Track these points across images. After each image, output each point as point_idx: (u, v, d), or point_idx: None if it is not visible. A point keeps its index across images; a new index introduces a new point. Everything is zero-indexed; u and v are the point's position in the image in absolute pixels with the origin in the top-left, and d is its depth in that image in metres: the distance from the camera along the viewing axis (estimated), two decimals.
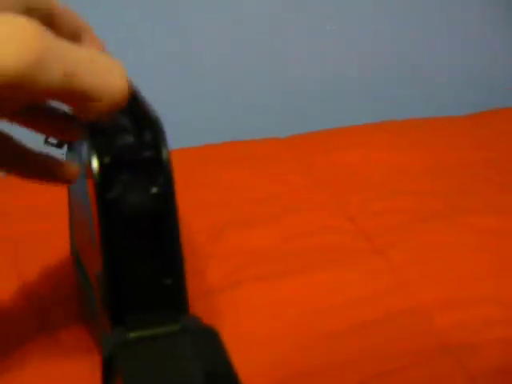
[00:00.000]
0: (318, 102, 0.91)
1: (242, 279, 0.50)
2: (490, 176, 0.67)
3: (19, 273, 0.49)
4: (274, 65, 0.87)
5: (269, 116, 0.89)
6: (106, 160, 0.27)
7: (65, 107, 0.34)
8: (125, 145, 0.27)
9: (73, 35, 0.32)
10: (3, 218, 0.57)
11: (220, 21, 0.82)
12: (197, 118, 0.84)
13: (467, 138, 0.76)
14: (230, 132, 0.77)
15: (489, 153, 0.72)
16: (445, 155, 0.71)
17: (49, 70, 0.24)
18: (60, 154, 0.52)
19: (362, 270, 0.51)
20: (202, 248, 0.54)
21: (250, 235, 0.56)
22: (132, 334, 0.28)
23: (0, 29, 0.24)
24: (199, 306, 0.46)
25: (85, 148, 0.29)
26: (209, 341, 0.28)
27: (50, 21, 0.30)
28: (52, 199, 0.56)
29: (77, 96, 0.25)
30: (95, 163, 0.27)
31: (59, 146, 0.49)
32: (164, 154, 0.28)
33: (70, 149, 0.50)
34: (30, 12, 0.29)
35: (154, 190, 0.28)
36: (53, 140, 0.48)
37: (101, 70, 0.25)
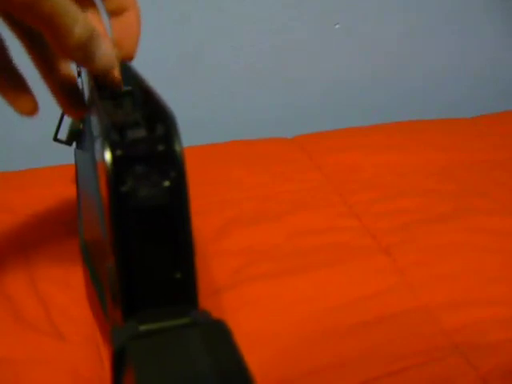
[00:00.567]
0: (325, 102, 0.91)
1: (248, 277, 0.50)
2: (497, 177, 0.67)
3: (28, 270, 0.49)
4: (281, 64, 0.87)
5: (276, 116, 0.89)
6: (119, 153, 0.27)
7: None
8: (137, 138, 0.27)
9: None
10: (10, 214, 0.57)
11: (225, 20, 0.82)
12: (204, 117, 0.84)
13: (475, 140, 0.76)
14: (237, 131, 0.78)
15: (496, 154, 0.72)
16: (453, 156, 0.71)
17: None
18: (69, 150, 0.53)
19: (368, 270, 0.52)
20: (208, 246, 0.54)
21: (255, 233, 0.56)
22: (143, 327, 0.28)
23: None
24: (205, 303, 0.46)
25: (98, 142, 0.29)
26: (219, 335, 0.28)
27: None
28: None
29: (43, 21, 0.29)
30: (108, 156, 0.27)
31: (68, 142, 0.50)
32: (177, 148, 0.28)
33: (78, 146, 0.50)
34: None
35: (167, 183, 0.28)
36: (62, 138, 0.48)
37: (70, 16, 0.30)
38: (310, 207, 0.60)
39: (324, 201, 0.62)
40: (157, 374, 0.26)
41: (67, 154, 0.55)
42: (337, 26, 0.86)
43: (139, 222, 0.28)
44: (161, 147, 0.28)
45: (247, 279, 0.50)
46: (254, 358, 0.40)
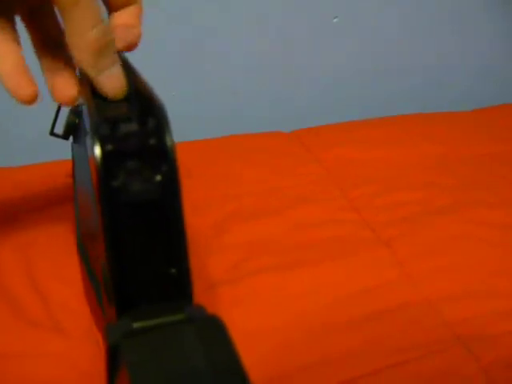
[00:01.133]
0: (325, 96, 0.91)
1: (248, 271, 0.50)
2: (497, 170, 0.67)
3: (27, 265, 0.49)
4: (278, 60, 0.86)
5: (275, 111, 0.88)
6: (109, 148, 0.26)
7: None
8: (128, 132, 0.27)
9: None
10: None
11: (224, 15, 0.82)
12: (204, 112, 0.84)
13: (475, 133, 0.76)
14: (236, 126, 0.77)
15: (496, 147, 0.72)
16: (452, 150, 0.71)
17: None
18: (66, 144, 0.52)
19: (368, 263, 0.51)
20: (207, 241, 0.54)
21: (255, 227, 0.56)
22: (137, 324, 0.28)
23: None
24: (204, 298, 0.46)
25: (88, 137, 0.29)
26: (214, 330, 0.27)
27: None
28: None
29: None
30: (98, 151, 0.26)
31: (64, 137, 0.50)
32: (168, 142, 0.27)
33: (75, 140, 0.50)
34: None
35: (158, 177, 0.27)
36: (58, 132, 0.48)
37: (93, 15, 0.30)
38: (310, 201, 0.60)
39: (324, 194, 0.61)
40: (150, 372, 0.26)
41: (66, 149, 0.55)
42: (335, 20, 0.86)
43: (131, 217, 0.27)
44: (152, 141, 0.27)
45: (247, 273, 0.50)
46: (253, 352, 0.40)
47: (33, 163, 0.65)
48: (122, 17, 0.36)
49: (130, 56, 0.37)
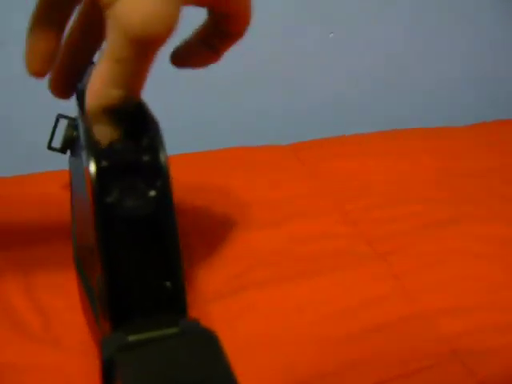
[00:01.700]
0: (321, 110, 0.91)
1: (245, 283, 0.50)
2: (493, 185, 0.67)
3: (24, 278, 0.49)
4: (276, 72, 0.87)
5: (274, 123, 0.89)
6: (104, 164, 0.27)
7: None
8: (122, 148, 0.28)
9: None
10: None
11: None
12: (199, 124, 0.84)
13: (470, 148, 0.76)
14: (235, 138, 0.77)
15: (495, 162, 0.72)
16: (448, 164, 0.71)
17: None
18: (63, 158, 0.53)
19: (364, 276, 0.51)
20: (205, 253, 0.54)
21: (252, 240, 0.56)
22: (131, 338, 0.28)
23: None
24: (203, 310, 0.46)
25: (84, 152, 0.29)
26: (207, 344, 0.28)
27: None
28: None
29: None
30: (93, 167, 0.27)
31: (62, 150, 0.50)
32: (161, 158, 0.28)
33: (72, 153, 0.50)
34: None
35: (152, 193, 0.28)
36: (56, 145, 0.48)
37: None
38: (306, 214, 0.60)
39: (320, 208, 0.62)
40: None
41: (63, 160, 0.55)
42: (331, 35, 0.86)
43: (126, 231, 0.28)
44: (146, 158, 0.28)
45: (245, 286, 0.50)
46: (250, 365, 0.40)
47: (30, 173, 0.66)
48: None
49: None
